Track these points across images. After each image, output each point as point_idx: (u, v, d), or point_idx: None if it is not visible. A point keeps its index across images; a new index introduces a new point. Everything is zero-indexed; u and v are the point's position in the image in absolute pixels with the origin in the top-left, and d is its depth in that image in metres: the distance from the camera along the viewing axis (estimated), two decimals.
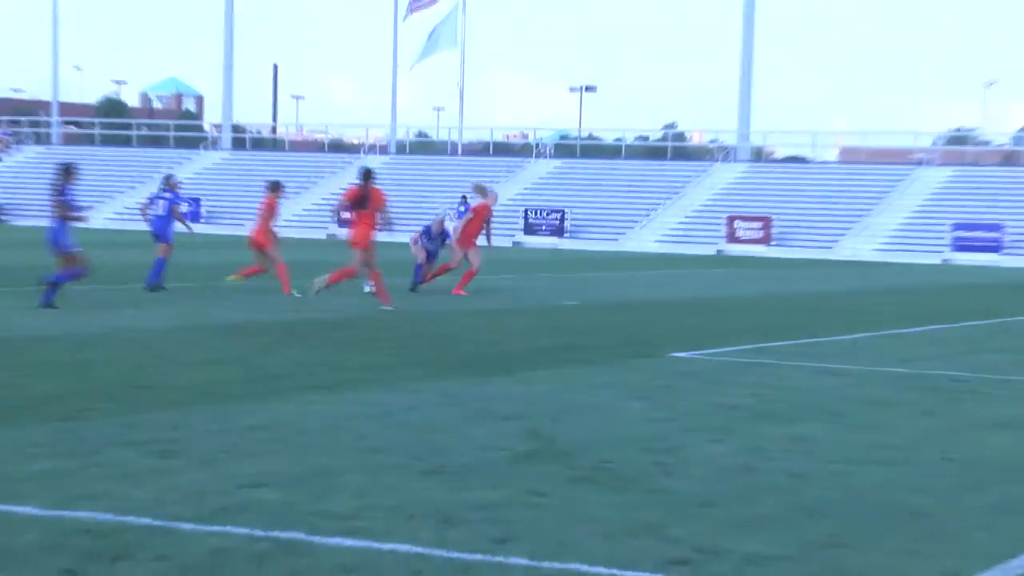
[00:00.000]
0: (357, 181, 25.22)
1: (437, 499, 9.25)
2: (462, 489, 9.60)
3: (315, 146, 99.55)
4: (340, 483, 9.67)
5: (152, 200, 28.85)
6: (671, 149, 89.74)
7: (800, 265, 54.19)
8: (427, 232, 29.83)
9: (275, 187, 29.14)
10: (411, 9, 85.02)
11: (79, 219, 23.27)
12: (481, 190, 29.92)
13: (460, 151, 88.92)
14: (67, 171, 23.32)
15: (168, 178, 29.62)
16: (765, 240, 66.56)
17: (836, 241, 66.44)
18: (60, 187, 23.13)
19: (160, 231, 27.68)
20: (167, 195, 28.75)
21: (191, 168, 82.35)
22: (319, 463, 10.36)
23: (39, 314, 21.55)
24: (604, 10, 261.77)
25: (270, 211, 28.38)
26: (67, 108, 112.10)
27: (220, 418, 12.24)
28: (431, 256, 29.73)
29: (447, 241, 29.95)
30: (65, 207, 22.87)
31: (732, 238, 66.58)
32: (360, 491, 9.43)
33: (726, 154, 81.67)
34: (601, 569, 7.59)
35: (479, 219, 29.23)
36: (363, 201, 24.77)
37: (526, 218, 71.12)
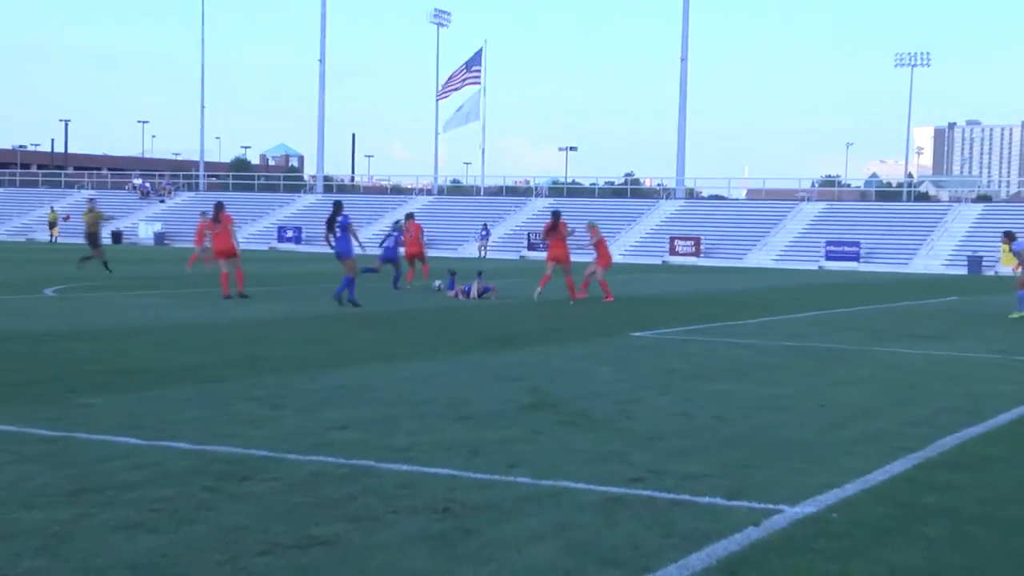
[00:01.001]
0: (550, 219, 26.72)
1: (466, 437, 9.23)
2: (483, 430, 9.57)
3: (380, 189, 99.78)
4: (398, 426, 9.64)
5: (389, 236, 31.09)
6: (630, 190, 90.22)
7: (721, 271, 54.17)
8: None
9: (409, 216, 30.87)
10: (445, 92, 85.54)
11: (355, 236, 23.79)
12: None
13: (483, 192, 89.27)
14: (337, 206, 23.61)
15: (396, 222, 32.35)
16: (696, 254, 66.29)
17: (746, 253, 66.37)
18: (332, 217, 23.45)
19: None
20: (395, 234, 31.11)
21: (294, 207, 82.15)
22: (383, 412, 10.34)
23: (185, 308, 21.61)
24: (583, 91, 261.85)
25: (417, 232, 30.73)
26: (210, 165, 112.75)
27: (314, 380, 12.24)
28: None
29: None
30: (350, 228, 23.49)
31: (673, 252, 66.38)
32: (412, 431, 9.40)
33: (668, 193, 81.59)
34: (582, 485, 7.57)
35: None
36: (554, 230, 26.52)
37: (528, 239, 71.14)
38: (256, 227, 77.49)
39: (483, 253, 66.19)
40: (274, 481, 7.49)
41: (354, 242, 23.97)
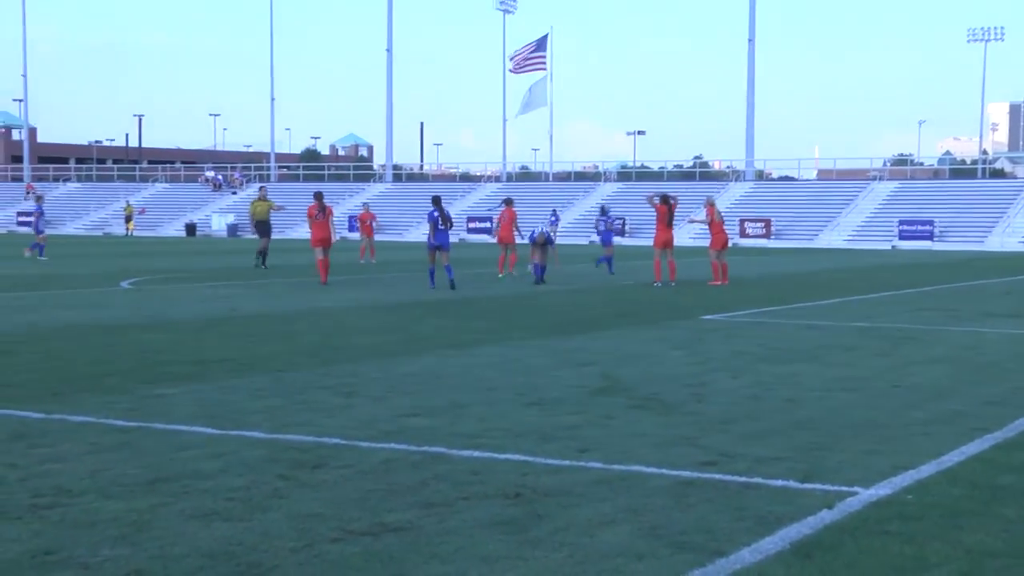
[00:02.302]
0: (657, 202, 26.66)
1: (536, 422, 9.19)
2: (554, 415, 9.53)
3: (450, 177, 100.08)
4: (468, 412, 9.63)
5: (600, 221, 32.51)
6: (698, 173, 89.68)
7: (791, 253, 53.75)
8: (532, 238, 28.35)
9: (508, 202, 30.63)
10: (518, 67, 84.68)
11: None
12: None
13: (551, 178, 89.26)
14: (436, 201, 24.69)
15: (603, 207, 33.45)
16: (767, 235, 65.84)
17: (817, 235, 65.71)
18: (442, 212, 24.54)
19: (605, 239, 28.32)
20: (604, 218, 32.50)
21: (364, 196, 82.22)
22: (454, 398, 10.33)
23: (259, 298, 21.76)
24: (650, 74, 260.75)
25: (512, 219, 30.18)
26: (281, 157, 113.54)
27: (385, 368, 12.27)
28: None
29: (551, 246, 28.54)
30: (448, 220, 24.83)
31: (743, 234, 65.92)
32: (482, 417, 9.38)
33: (737, 175, 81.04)
34: (653, 469, 7.52)
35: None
36: (668, 215, 26.65)
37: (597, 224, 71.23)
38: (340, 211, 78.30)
39: (553, 238, 66.24)
40: (347, 468, 7.50)
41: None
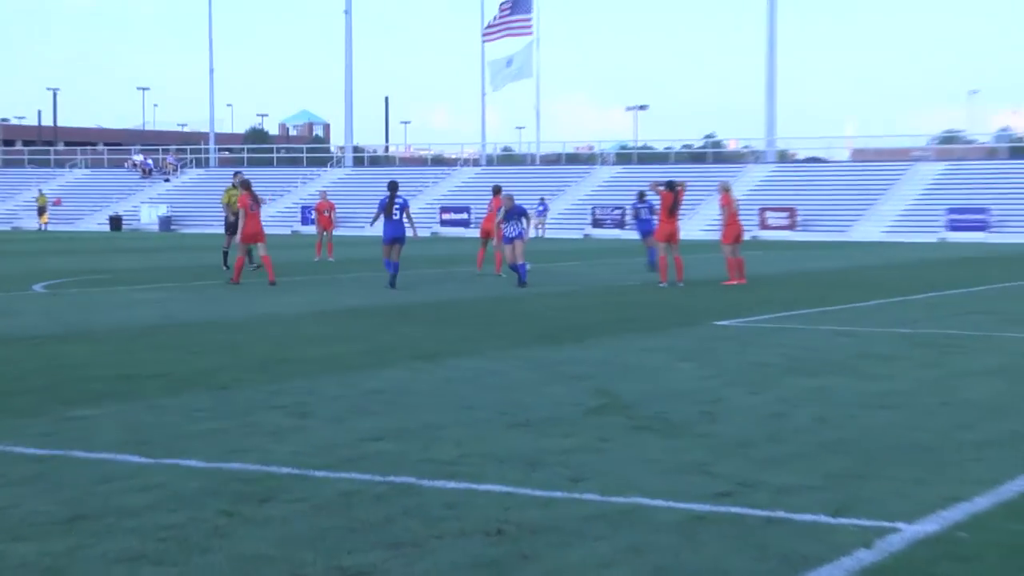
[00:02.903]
0: (662, 188, 26.66)
1: (522, 447, 9.17)
2: (542, 438, 9.51)
3: (420, 161, 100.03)
4: (443, 435, 9.59)
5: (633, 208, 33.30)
6: (711, 154, 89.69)
7: (820, 247, 53.77)
8: (508, 238, 27.56)
9: (497, 190, 30.17)
10: (490, 33, 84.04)
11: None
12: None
13: (538, 161, 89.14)
14: (393, 186, 25.20)
15: (641, 193, 33.52)
16: (791, 227, 66.02)
17: (850, 226, 65.81)
18: (391, 200, 25.04)
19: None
20: (643, 205, 33.02)
21: (320, 183, 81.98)
22: (425, 419, 10.29)
23: (198, 304, 21.77)
24: (652, 40, 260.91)
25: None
26: (221, 137, 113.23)
27: (345, 384, 12.23)
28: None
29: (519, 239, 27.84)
30: (407, 212, 25.25)
31: (764, 225, 66.04)
32: (459, 442, 9.35)
33: (756, 157, 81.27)
34: (659, 502, 7.49)
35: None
36: (674, 203, 26.64)
37: (593, 214, 71.21)
38: (276, 207, 77.92)
39: (541, 232, 65.93)
40: (300, 503, 7.48)
41: (408, 227, 25.53)
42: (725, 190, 28.13)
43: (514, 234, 27.07)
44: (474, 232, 64.65)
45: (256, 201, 26.91)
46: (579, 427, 9.97)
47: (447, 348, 15.25)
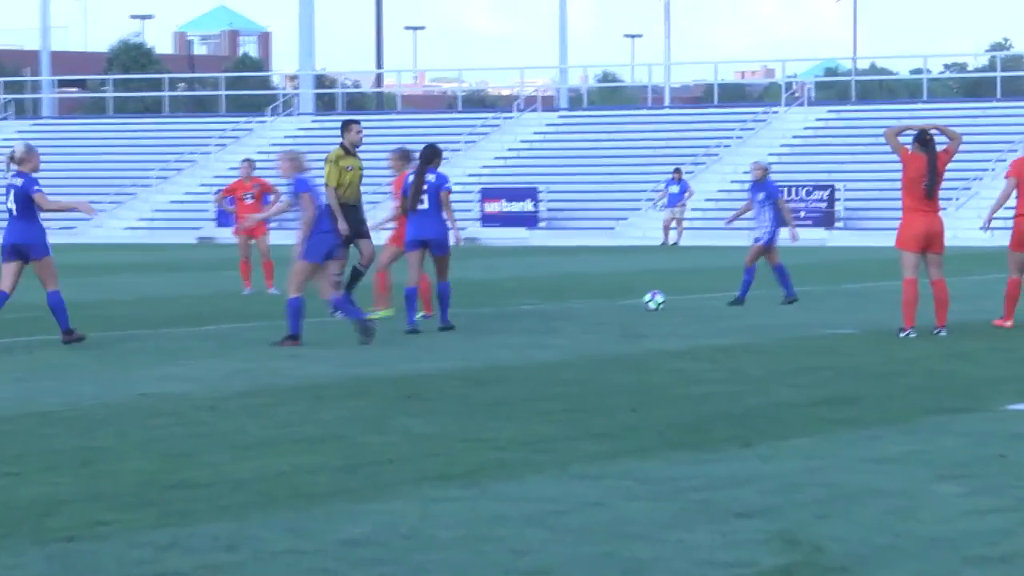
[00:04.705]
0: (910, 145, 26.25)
1: None
2: None
3: (442, 103, 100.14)
4: None
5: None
6: (1001, 82, 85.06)
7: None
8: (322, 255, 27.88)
9: (403, 156, 30.00)
10: None
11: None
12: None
13: (668, 100, 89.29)
14: (430, 152, 27.48)
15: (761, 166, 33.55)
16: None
17: None
18: (421, 173, 26.89)
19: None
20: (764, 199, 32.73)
21: (254, 144, 78.36)
22: None
23: (28, 378, 21.96)
24: None
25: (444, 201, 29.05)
26: (63, 61, 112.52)
27: (301, 529, 11.74)
28: None
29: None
30: (444, 198, 27.24)
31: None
32: None
33: None
34: None
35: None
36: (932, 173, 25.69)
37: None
38: (168, 196, 77.99)
39: (676, 233, 65.52)
40: None
41: (447, 221, 26.81)
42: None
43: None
44: (545, 234, 65.99)
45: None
46: None
47: (493, 458, 14.68)
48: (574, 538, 11.65)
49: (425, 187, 26.23)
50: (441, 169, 27.87)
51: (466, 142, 79.67)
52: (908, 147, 25.94)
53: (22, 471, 14.50)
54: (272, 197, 38.53)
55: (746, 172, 68.88)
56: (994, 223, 29.34)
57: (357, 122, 29.59)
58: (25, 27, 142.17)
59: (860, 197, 67.02)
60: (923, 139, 25.79)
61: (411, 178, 26.33)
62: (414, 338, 26.32)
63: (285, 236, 36.92)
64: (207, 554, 11.10)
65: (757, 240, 31.00)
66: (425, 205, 26.35)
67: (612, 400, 19.06)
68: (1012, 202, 27.63)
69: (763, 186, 30.74)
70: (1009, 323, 27.06)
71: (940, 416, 17.49)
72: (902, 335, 25.71)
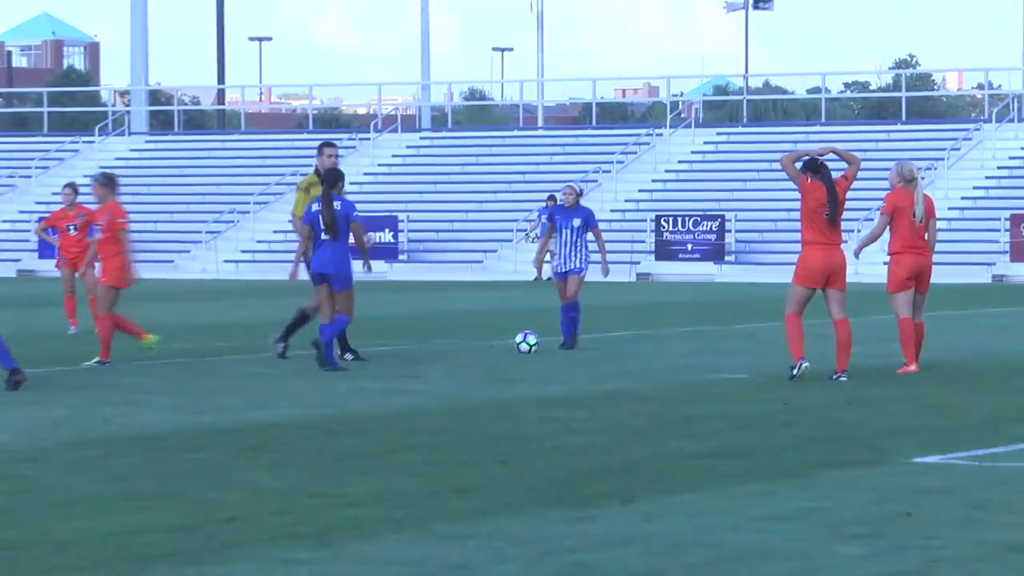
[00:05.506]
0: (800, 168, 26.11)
1: None
2: None
3: (291, 122, 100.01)
4: None
5: None
6: (906, 103, 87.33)
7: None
8: None
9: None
10: None
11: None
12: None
13: (541, 120, 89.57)
14: (333, 175, 27.43)
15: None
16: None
17: None
18: (327, 198, 26.67)
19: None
20: None
21: (81, 166, 77.41)
22: None
23: None
24: None
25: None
26: None
27: None
28: None
29: None
30: (356, 228, 27.37)
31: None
32: None
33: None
34: None
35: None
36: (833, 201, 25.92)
37: (658, 229, 68.18)
38: None
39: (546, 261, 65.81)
40: None
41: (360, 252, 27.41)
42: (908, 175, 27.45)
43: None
44: (406, 267, 65.87)
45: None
46: None
47: (347, 516, 14.59)
48: None
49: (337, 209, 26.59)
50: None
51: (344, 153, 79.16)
52: (800, 165, 26.52)
53: None
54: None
55: (628, 200, 69.08)
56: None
57: (333, 145, 29.70)
58: None
59: (753, 228, 67.41)
60: (814, 166, 26.41)
61: (315, 206, 26.46)
62: (262, 383, 26.41)
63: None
64: None
65: (578, 271, 31.73)
66: (328, 237, 26.70)
67: (479, 451, 19.08)
68: (887, 237, 28.07)
69: (577, 212, 31.11)
70: (913, 367, 27.37)
71: (840, 470, 17.59)
72: (795, 371, 25.97)
